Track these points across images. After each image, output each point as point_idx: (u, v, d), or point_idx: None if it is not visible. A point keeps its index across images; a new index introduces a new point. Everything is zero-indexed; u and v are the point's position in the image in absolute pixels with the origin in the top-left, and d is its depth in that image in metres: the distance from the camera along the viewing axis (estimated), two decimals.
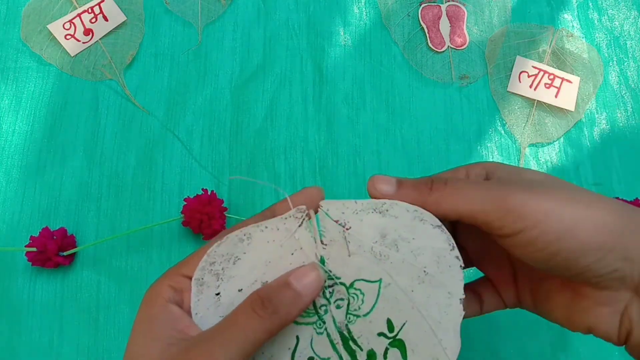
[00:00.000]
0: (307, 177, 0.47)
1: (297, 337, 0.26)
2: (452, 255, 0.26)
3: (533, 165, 0.49)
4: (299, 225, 0.27)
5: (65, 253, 0.42)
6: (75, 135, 0.47)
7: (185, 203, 0.43)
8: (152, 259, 0.44)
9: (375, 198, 0.27)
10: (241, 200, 0.46)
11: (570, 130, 0.50)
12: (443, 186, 0.26)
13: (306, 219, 0.27)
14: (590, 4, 0.55)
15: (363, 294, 0.27)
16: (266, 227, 0.27)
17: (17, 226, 0.44)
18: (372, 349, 0.26)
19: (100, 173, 0.46)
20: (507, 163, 0.49)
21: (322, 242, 0.27)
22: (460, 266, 0.26)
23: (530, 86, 0.50)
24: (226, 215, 0.43)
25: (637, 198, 0.47)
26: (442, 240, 0.26)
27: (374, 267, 0.27)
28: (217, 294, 0.26)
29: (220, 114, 0.48)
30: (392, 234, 0.26)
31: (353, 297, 0.27)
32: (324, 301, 0.27)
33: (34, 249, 0.41)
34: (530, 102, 0.51)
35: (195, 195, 0.43)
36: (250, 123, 0.48)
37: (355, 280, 0.27)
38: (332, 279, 0.27)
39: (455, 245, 0.26)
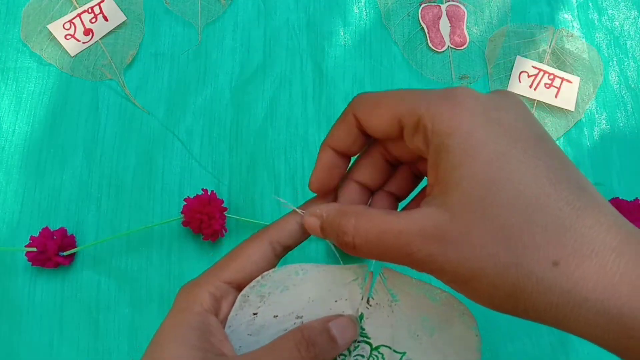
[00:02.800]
0: (307, 177, 0.47)
1: None
2: (477, 358, 0.28)
3: None
4: (354, 280, 0.28)
5: (65, 253, 0.42)
6: (75, 135, 0.47)
7: (185, 203, 0.43)
8: (152, 259, 0.44)
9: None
10: (241, 200, 0.46)
11: (570, 130, 0.50)
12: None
13: (362, 276, 0.28)
14: (590, 4, 0.55)
15: (384, 359, 0.28)
16: (324, 270, 0.28)
17: (17, 226, 0.44)
18: None
19: (100, 173, 0.46)
20: None
21: (368, 301, 0.28)
22: None
23: (530, 86, 0.50)
24: (226, 215, 0.43)
25: (637, 198, 0.47)
26: (474, 341, 0.28)
27: (404, 342, 0.28)
28: (255, 314, 0.27)
29: (220, 114, 0.48)
30: (433, 321, 0.28)
31: (373, 358, 0.28)
32: (344, 351, 0.28)
33: (34, 249, 0.41)
34: (530, 102, 0.50)
35: (195, 195, 0.43)
36: (250, 123, 0.48)
37: (381, 345, 0.28)
38: (363, 337, 0.28)
39: (481, 350, 0.28)
